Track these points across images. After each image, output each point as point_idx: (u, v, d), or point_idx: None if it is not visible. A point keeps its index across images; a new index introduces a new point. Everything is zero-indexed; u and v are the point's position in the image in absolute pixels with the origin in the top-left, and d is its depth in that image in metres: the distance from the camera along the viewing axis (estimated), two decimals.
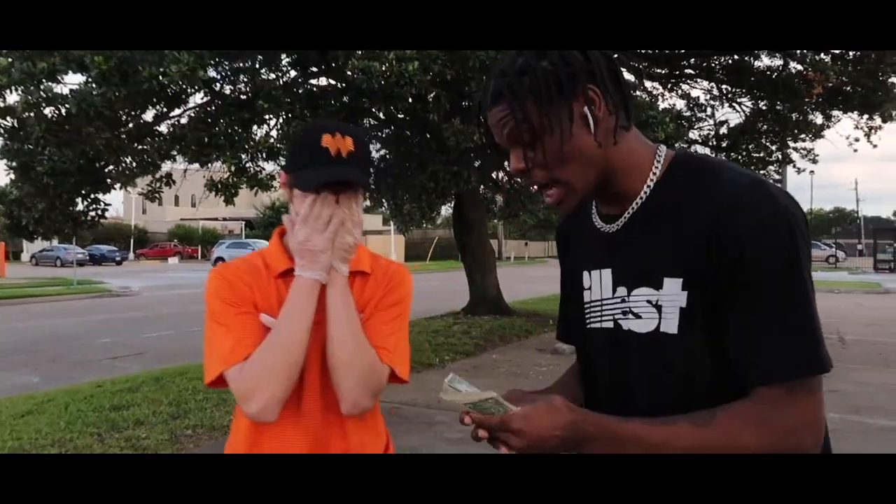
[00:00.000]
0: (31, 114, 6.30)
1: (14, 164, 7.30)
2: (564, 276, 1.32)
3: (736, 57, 10.15)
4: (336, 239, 1.34)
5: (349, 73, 6.32)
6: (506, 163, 7.63)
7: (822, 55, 8.92)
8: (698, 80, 11.72)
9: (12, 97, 6.61)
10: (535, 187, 1.13)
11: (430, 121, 6.85)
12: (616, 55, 1.09)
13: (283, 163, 7.28)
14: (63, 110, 6.34)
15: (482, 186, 11.18)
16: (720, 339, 1.00)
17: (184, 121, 7.84)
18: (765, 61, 10.28)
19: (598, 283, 1.16)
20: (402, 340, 1.42)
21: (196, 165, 8.10)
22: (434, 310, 12.99)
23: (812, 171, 12.83)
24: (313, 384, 1.37)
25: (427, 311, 12.85)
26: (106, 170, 7.72)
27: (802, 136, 11.67)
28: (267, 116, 7.39)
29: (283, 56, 7.62)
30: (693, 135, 11.81)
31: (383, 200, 10.51)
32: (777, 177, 13.58)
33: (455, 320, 11.43)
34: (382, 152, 10.38)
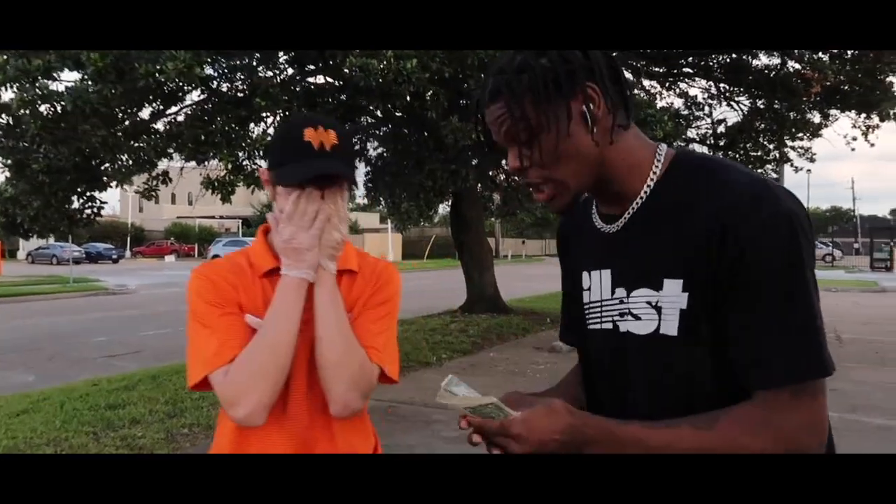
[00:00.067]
0: (27, 111, 6.27)
1: (9, 161, 7.27)
2: (565, 277, 1.31)
3: (734, 56, 10.15)
4: (322, 236, 1.31)
5: (347, 70, 6.29)
6: (503, 161, 7.66)
7: (820, 54, 8.93)
8: (696, 78, 11.73)
9: (7, 94, 6.58)
10: (529, 187, 1.12)
11: (428, 119, 6.83)
12: (614, 54, 1.08)
13: None
14: (59, 107, 6.30)
15: (479, 185, 11.16)
16: (721, 341, 0.98)
17: (180, 118, 7.81)
18: (763, 60, 10.29)
19: (598, 283, 1.15)
20: (391, 339, 1.39)
21: (193, 163, 8.08)
22: (431, 308, 12.99)
23: (809, 170, 12.82)
24: (300, 386, 1.33)
25: (424, 309, 12.84)
26: (102, 167, 7.68)
27: (800, 134, 11.69)
28: (264, 114, 7.36)
29: (281, 54, 7.60)
30: (690, 133, 11.84)
31: (381, 199, 10.48)
32: (774, 176, 13.62)
33: (452, 318, 11.42)
34: (380, 150, 10.37)
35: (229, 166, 7.22)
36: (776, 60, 9.99)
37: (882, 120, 10.58)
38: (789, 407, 0.94)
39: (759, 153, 12.07)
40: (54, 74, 6.31)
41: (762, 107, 11.30)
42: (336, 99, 7.70)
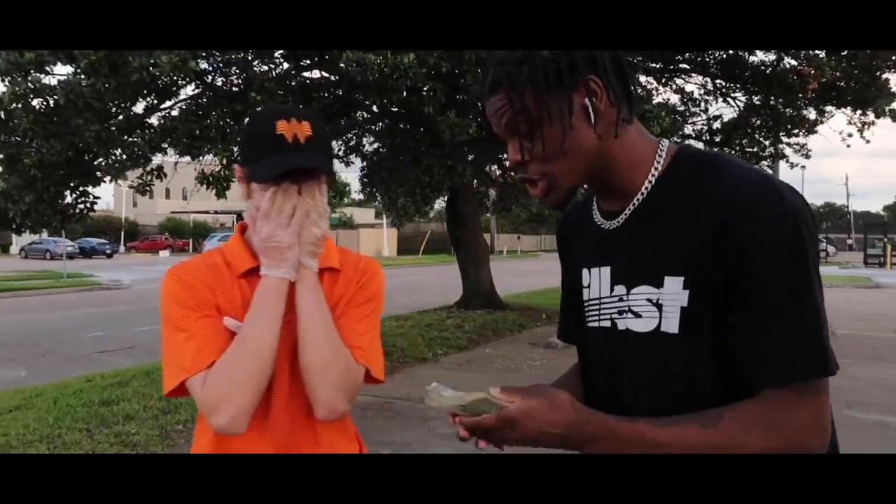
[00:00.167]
0: (19, 105, 6.22)
1: (1, 156, 7.20)
2: (565, 274, 1.29)
3: (730, 52, 10.13)
4: (302, 232, 1.26)
5: (343, 65, 6.25)
6: (500, 157, 7.64)
7: (816, 50, 8.92)
8: (692, 74, 11.71)
9: None
10: (524, 182, 1.10)
11: (425, 114, 6.79)
12: None
13: None
14: (51, 101, 6.25)
15: (476, 181, 11.14)
16: (722, 340, 0.96)
17: (175, 113, 7.76)
18: (759, 56, 10.27)
19: (598, 281, 1.13)
20: (375, 339, 1.35)
21: (187, 158, 8.03)
22: (427, 303, 12.98)
23: (803, 167, 12.81)
24: (281, 389, 1.28)
25: (420, 304, 12.84)
26: (95, 162, 7.62)
27: (796, 131, 11.69)
28: (259, 109, 7.31)
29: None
30: (686, 129, 11.82)
31: (377, 194, 10.44)
32: (770, 171, 13.60)
33: (448, 314, 11.42)
34: (376, 146, 10.34)
35: (224, 161, 7.17)
36: (772, 57, 9.98)
37: (877, 117, 10.57)
38: (792, 406, 0.92)
39: (754, 149, 12.08)
40: (46, 68, 6.26)
41: (758, 103, 11.29)
42: (332, 94, 7.65)
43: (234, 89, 7.28)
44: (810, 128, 11.55)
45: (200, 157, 7.98)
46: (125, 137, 7.34)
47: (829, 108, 10.97)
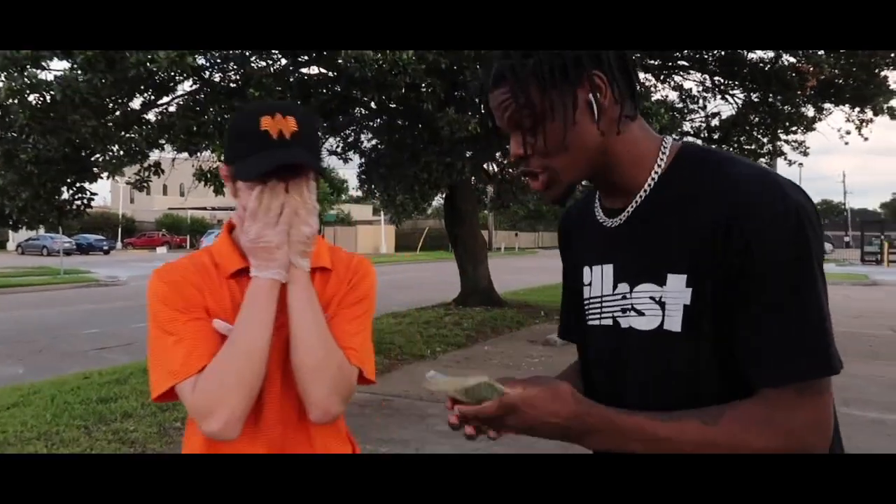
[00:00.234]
0: (15, 100, 6.18)
1: None
2: (566, 272, 1.29)
3: (729, 49, 10.13)
4: (291, 231, 1.22)
5: (341, 61, 6.23)
6: (497, 154, 7.63)
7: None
8: (691, 71, 11.70)
9: None
10: (525, 175, 1.09)
11: (424, 110, 6.77)
12: None
13: None
14: (48, 97, 6.22)
15: (474, 178, 11.13)
16: (725, 338, 0.96)
17: (172, 109, 7.73)
18: (758, 53, 10.27)
19: (599, 279, 1.12)
20: (367, 339, 1.32)
21: (185, 154, 8.00)
22: (425, 300, 12.98)
23: (801, 164, 12.87)
24: (273, 392, 1.25)
25: (418, 301, 12.84)
26: (92, 158, 7.59)
27: (794, 128, 11.69)
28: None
29: None
30: (684, 126, 11.82)
31: (376, 191, 10.42)
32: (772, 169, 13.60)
33: (446, 311, 11.41)
34: (374, 142, 10.31)
35: (221, 157, 7.14)
36: (771, 54, 9.98)
37: (876, 114, 10.58)
38: (794, 405, 0.91)
39: (752, 147, 12.09)
40: (43, 63, 6.22)
41: (756, 100, 11.30)
42: (330, 90, 7.63)
43: (232, 85, 7.25)
44: (808, 125, 11.55)
45: (198, 154, 7.96)
46: (122, 133, 7.31)
47: (827, 105, 10.97)
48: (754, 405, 0.93)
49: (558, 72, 1.00)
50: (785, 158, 12.84)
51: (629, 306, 1.05)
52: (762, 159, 12.51)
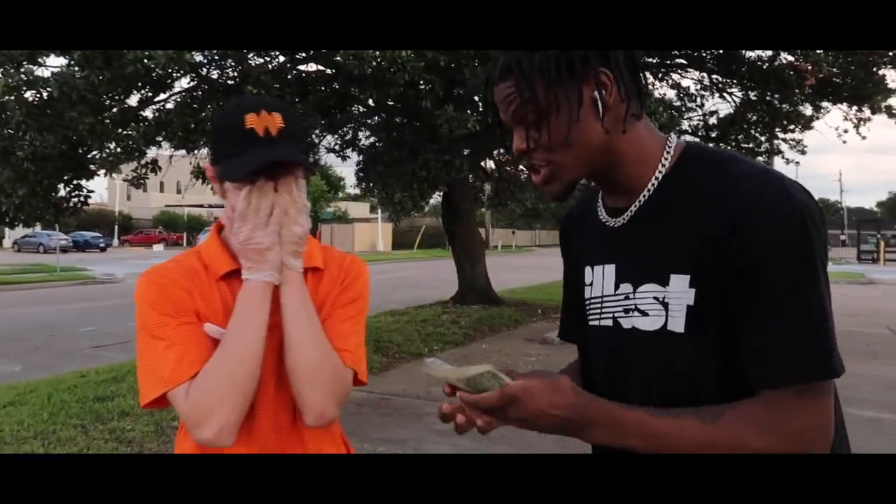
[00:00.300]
0: (11, 97, 6.15)
1: None
2: (567, 272, 1.28)
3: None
4: (282, 232, 1.19)
5: (339, 58, 6.21)
6: (495, 152, 7.62)
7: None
8: (689, 69, 11.69)
9: None
10: (529, 170, 1.09)
11: (423, 108, 6.75)
12: None
13: None
14: (44, 94, 6.18)
15: (471, 176, 11.11)
16: (728, 339, 0.95)
17: (169, 106, 7.70)
18: (756, 51, 10.26)
19: (601, 279, 1.12)
20: (361, 340, 1.30)
21: (182, 151, 7.97)
22: (422, 298, 12.97)
23: (797, 162, 12.86)
24: (266, 396, 1.22)
25: (415, 299, 12.83)
26: (89, 155, 7.56)
27: (792, 127, 11.68)
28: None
29: None
30: (683, 125, 11.81)
31: (375, 189, 10.39)
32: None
33: (444, 309, 11.40)
34: (372, 140, 10.29)
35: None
36: (769, 52, 9.97)
37: (873, 113, 10.58)
38: (794, 407, 0.91)
39: (750, 145, 12.07)
40: (39, 59, 6.18)
41: (754, 98, 11.29)
42: (329, 87, 7.60)
43: (230, 82, 7.22)
44: (806, 124, 11.55)
45: (195, 151, 7.93)
46: (119, 130, 7.28)
47: (825, 103, 10.97)
48: (755, 406, 0.92)
49: (565, 68, 0.99)
50: (783, 157, 12.84)
51: (632, 306, 1.05)
52: (760, 158, 12.51)
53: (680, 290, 0.98)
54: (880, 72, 9.63)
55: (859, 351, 8.26)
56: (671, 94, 12.23)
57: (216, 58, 7.31)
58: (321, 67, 7.94)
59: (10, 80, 6.04)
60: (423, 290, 14.96)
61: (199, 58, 6.71)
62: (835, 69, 9.03)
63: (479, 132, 6.48)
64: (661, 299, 1.00)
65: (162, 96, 7.77)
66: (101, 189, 55.37)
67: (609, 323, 1.09)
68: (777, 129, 11.74)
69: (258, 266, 1.18)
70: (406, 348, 8.08)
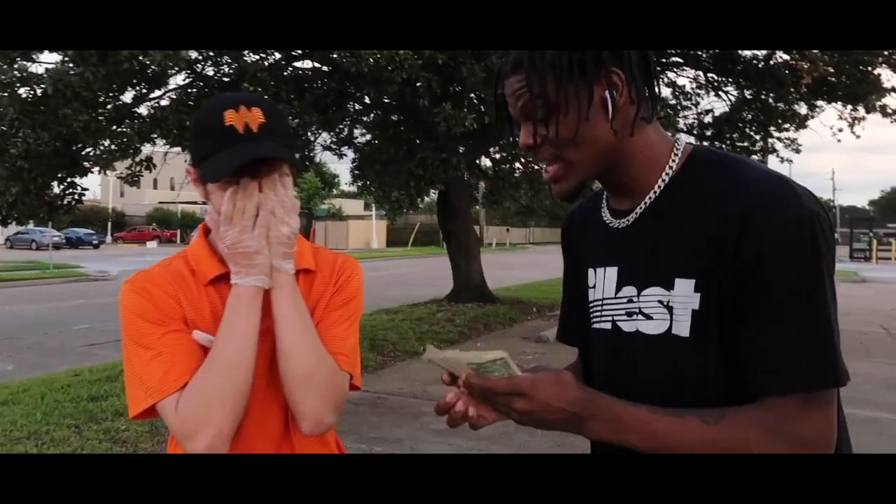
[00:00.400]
0: (5, 94, 6.10)
1: None
2: (567, 273, 1.27)
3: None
4: (270, 233, 1.14)
5: (336, 56, 6.18)
6: (491, 150, 7.61)
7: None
8: (685, 68, 11.69)
9: None
10: (540, 164, 1.08)
11: (420, 106, 6.73)
12: None
13: None
14: (38, 91, 6.13)
15: (468, 174, 11.09)
16: (733, 344, 0.94)
17: (164, 103, 7.65)
18: (752, 50, 10.27)
19: (602, 281, 1.11)
20: (356, 343, 1.25)
21: (177, 149, 7.94)
22: (416, 296, 12.95)
23: (790, 161, 12.85)
24: (256, 404, 1.17)
25: (409, 297, 12.81)
26: (83, 153, 7.51)
27: (787, 125, 11.71)
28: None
29: None
30: (678, 123, 11.81)
31: (371, 187, 10.36)
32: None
33: (439, 307, 11.38)
34: (368, 137, 10.26)
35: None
36: (764, 51, 9.98)
37: (868, 112, 10.61)
38: (798, 414, 0.90)
39: (745, 144, 12.09)
40: (34, 56, 6.13)
41: (750, 97, 11.31)
42: (326, 85, 7.57)
43: (226, 80, 7.19)
44: (801, 122, 11.57)
45: None
46: (114, 127, 7.24)
47: (820, 102, 10.99)
48: (758, 410, 0.92)
49: (577, 66, 0.98)
50: (777, 156, 12.86)
51: (636, 310, 1.04)
52: (755, 156, 12.53)
53: (685, 294, 0.97)
54: (875, 71, 9.66)
55: (853, 350, 8.28)
56: (666, 92, 12.24)
57: (212, 55, 7.26)
58: (317, 65, 7.91)
59: (3, 77, 6.00)
60: (418, 288, 14.94)
61: (194, 55, 6.66)
62: (831, 68, 9.05)
63: (476, 130, 6.46)
64: (665, 303, 0.99)
65: (157, 93, 7.73)
66: (95, 186, 55.26)
67: (608, 326, 1.09)
68: (772, 128, 11.76)
69: (247, 270, 1.14)
70: (401, 347, 8.05)
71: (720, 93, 11.92)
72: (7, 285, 16.91)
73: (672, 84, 12.25)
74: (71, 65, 6.00)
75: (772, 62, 9.79)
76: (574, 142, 1.00)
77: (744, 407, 0.92)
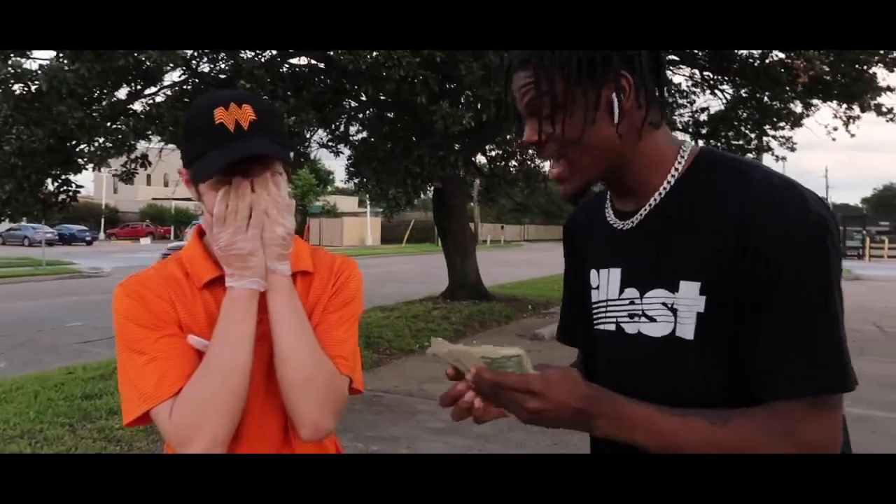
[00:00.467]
0: None
1: None
2: (569, 274, 1.26)
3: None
4: (264, 234, 1.12)
5: (332, 52, 6.15)
6: (487, 147, 7.61)
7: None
8: (681, 66, 11.70)
9: None
10: (544, 161, 1.08)
11: (418, 104, 6.71)
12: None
13: None
14: (33, 87, 6.08)
15: (464, 171, 11.09)
16: (739, 348, 0.94)
17: (159, 99, 7.61)
18: (748, 50, 10.28)
19: (606, 282, 1.10)
20: (356, 346, 1.23)
21: (172, 146, 7.89)
22: (411, 293, 12.94)
23: (784, 158, 12.88)
24: (254, 409, 1.15)
25: (404, 294, 12.80)
26: (78, 149, 7.46)
27: (782, 124, 11.74)
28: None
29: None
30: (674, 122, 11.83)
31: (368, 185, 10.32)
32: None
33: (434, 305, 11.37)
34: (364, 135, 10.22)
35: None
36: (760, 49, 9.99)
37: (863, 111, 10.64)
38: (805, 419, 0.90)
39: (740, 142, 12.12)
40: (28, 52, 6.08)
41: (745, 95, 11.33)
42: (323, 82, 7.54)
43: (222, 76, 7.15)
44: (796, 121, 11.60)
45: None
46: (108, 124, 7.19)
47: (815, 101, 11.02)
48: (765, 413, 0.91)
49: (585, 67, 0.97)
50: (772, 154, 12.90)
51: (639, 311, 1.03)
52: (749, 154, 12.56)
53: (690, 296, 0.96)
54: (871, 70, 9.68)
55: (850, 348, 8.31)
56: None
57: (208, 52, 7.22)
58: (313, 61, 7.87)
59: None
60: (413, 285, 14.93)
61: (190, 52, 6.62)
62: (826, 67, 9.07)
63: (473, 129, 6.45)
64: (669, 305, 0.99)
65: (152, 90, 7.68)
66: (88, 182, 55.02)
67: (612, 328, 1.08)
68: (767, 127, 11.79)
69: (241, 273, 1.11)
70: (397, 344, 8.04)
71: (716, 91, 11.94)
72: (0, 282, 16.82)
73: (668, 82, 12.24)
74: (66, 61, 5.95)
75: (768, 61, 9.80)
76: (579, 143, 1.00)
77: (750, 409, 0.92)
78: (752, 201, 0.92)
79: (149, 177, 49.96)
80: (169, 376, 1.09)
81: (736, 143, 12.01)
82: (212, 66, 7.34)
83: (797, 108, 11.33)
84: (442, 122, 6.56)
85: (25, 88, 6.14)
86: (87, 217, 44.64)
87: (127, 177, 8.27)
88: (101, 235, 44.79)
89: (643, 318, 1.03)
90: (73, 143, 7.19)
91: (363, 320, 8.89)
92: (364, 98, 8.21)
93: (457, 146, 8.23)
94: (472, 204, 28.03)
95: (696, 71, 11.72)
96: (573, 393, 0.93)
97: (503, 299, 12.25)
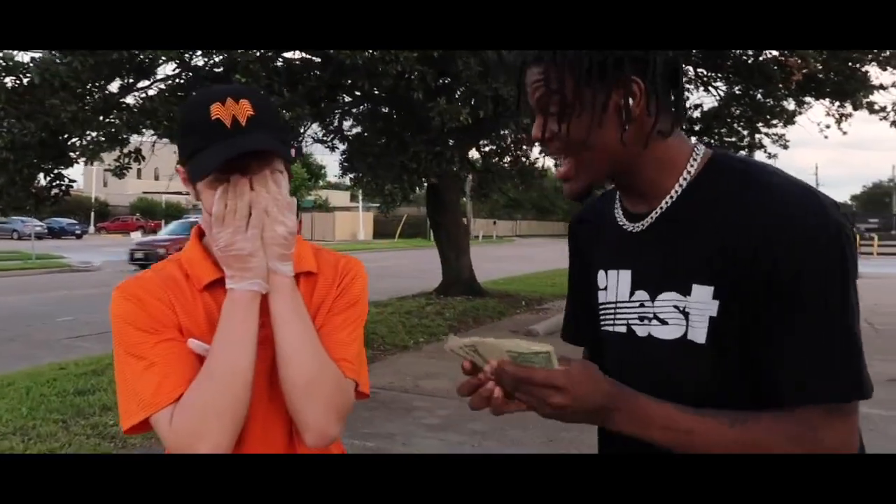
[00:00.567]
0: None
1: None
2: (575, 274, 1.25)
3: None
4: (265, 234, 1.08)
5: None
6: (481, 143, 7.60)
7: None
8: None
9: None
10: (552, 157, 1.07)
11: (414, 99, 6.68)
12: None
13: None
14: (25, 80, 6.02)
15: (459, 167, 11.07)
16: (752, 353, 0.93)
17: (152, 93, 7.54)
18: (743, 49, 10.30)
19: (615, 284, 1.09)
20: (361, 349, 1.20)
21: (165, 140, 7.83)
22: (404, 289, 12.93)
23: (775, 155, 12.95)
24: (257, 415, 1.11)
25: (397, 289, 12.78)
26: (70, 143, 7.39)
27: (775, 121, 11.78)
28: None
29: None
30: None
31: (364, 180, 10.28)
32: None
33: (428, 301, 11.36)
34: (358, 130, 10.19)
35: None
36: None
37: (855, 108, 10.69)
38: (822, 425, 0.90)
39: (733, 139, 12.16)
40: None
41: (738, 92, 11.36)
42: (319, 77, 7.49)
43: (217, 70, 7.10)
44: (789, 118, 11.65)
45: None
46: (101, 118, 7.12)
47: (808, 99, 11.07)
48: (782, 418, 0.91)
49: (597, 68, 0.95)
50: (765, 151, 12.95)
51: (650, 314, 1.03)
52: (742, 152, 12.60)
53: (702, 300, 0.96)
54: (864, 68, 9.73)
55: None
56: None
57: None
58: (308, 56, 7.82)
59: None
60: (406, 280, 14.92)
61: None
62: (820, 65, 9.10)
63: (470, 125, 6.43)
64: (681, 308, 0.98)
65: (144, 83, 7.61)
66: (77, 175, 54.54)
67: (623, 330, 1.07)
68: (760, 124, 11.84)
69: (241, 274, 1.08)
70: (391, 340, 8.03)
71: (709, 88, 11.96)
72: None
73: (684, 90, 12.26)
74: (58, 54, 5.89)
75: (762, 58, 9.83)
76: (585, 144, 0.99)
77: (766, 413, 0.91)
78: (771, 209, 0.91)
79: (139, 170, 49.63)
80: (169, 382, 1.06)
81: (728, 139, 12.06)
82: (206, 59, 7.28)
83: (790, 105, 11.38)
84: (439, 118, 6.53)
85: (17, 81, 6.07)
86: (76, 210, 44.33)
87: (120, 171, 8.20)
88: (91, 229, 44.55)
89: (654, 321, 1.02)
90: (66, 136, 7.12)
91: None
92: (359, 93, 8.17)
93: (452, 142, 8.21)
94: (464, 199, 28.04)
95: (690, 68, 11.73)
96: (596, 390, 0.93)
97: (496, 295, 12.25)
